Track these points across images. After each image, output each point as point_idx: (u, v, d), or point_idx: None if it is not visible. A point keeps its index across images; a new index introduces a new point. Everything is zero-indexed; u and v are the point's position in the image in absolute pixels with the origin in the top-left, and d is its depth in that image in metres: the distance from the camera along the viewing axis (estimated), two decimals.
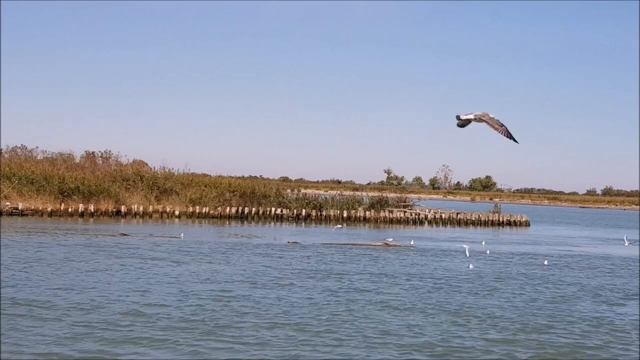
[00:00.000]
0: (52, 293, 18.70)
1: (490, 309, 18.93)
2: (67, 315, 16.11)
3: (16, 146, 62.92)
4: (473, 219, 65.00)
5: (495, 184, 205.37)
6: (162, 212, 54.11)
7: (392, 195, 69.43)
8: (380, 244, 37.21)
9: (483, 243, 39.18)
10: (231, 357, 13.28)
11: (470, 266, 28.19)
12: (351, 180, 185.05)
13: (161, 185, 56.79)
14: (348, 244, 37.11)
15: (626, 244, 32.81)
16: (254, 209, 57.96)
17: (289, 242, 36.75)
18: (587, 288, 24.02)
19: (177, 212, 54.50)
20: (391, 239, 37.94)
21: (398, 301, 19.54)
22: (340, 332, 15.36)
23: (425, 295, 20.80)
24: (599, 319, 18.23)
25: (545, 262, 31.41)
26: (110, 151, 63.49)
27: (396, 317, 17.35)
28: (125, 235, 36.75)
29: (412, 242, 38.05)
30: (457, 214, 65.96)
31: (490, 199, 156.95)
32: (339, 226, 33.80)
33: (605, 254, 38.71)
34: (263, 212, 58.05)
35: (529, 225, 66.20)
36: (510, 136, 9.68)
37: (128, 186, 55.15)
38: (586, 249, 42.66)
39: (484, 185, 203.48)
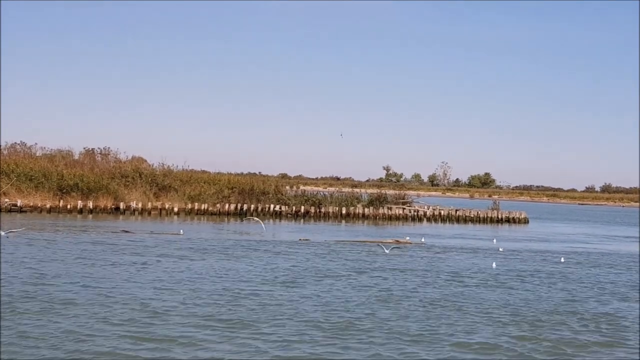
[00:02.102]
0: (69, 289, 18.72)
1: (521, 306, 19.08)
2: (85, 311, 16.12)
3: (15, 143, 62.96)
4: (472, 215, 65.00)
5: (494, 180, 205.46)
6: (160, 209, 54.08)
7: (390, 192, 69.40)
8: (391, 241, 37.34)
9: (495, 241, 39.03)
10: (263, 357, 13.22)
11: (494, 264, 28.10)
12: (350, 177, 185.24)
13: (160, 182, 56.74)
14: (360, 242, 37.16)
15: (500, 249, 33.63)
16: (252, 206, 57.92)
17: (300, 240, 36.77)
18: (611, 285, 24.25)
19: (176, 209, 54.46)
20: (408, 238, 37.96)
21: (426, 298, 19.66)
22: (374, 330, 15.40)
23: (454, 292, 20.91)
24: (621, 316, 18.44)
25: (562, 260, 31.41)
26: (109, 148, 63.49)
27: (427, 313, 17.45)
28: (127, 232, 36.74)
29: (422, 240, 38.13)
30: (456, 210, 66.00)
31: (489, 195, 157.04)
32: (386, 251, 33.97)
33: (615, 251, 39.12)
34: (262, 209, 58.02)
35: (528, 222, 66.20)
36: None
37: (127, 183, 55.12)
38: (596, 245, 42.92)
39: (483, 182, 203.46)
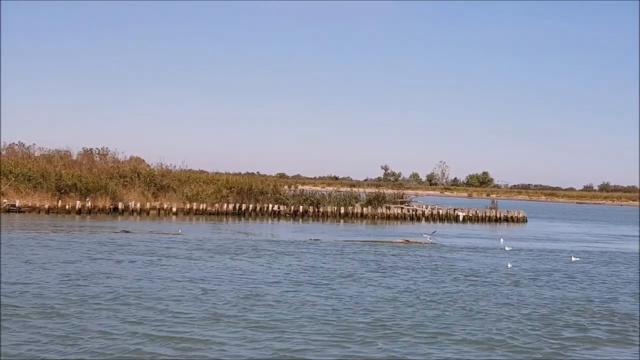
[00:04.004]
0: (96, 290, 18.75)
1: (540, 304, 19.37)
2: (115, 311, 16.18)
3: (13, 143, 62.89)
4: (470, 215, 65.03)
5: (492, 179, 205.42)
6: (159, 209, 54.06)
7: (389, 191, 69.44)
8: (400, 240, 37.43)
9: (502, 241, 39.22)
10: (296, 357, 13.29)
11: (509, 264, 28.09)
12: (348, 177, 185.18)
13: (158, 182, 56.70)
14: (370, 242, 37.30)
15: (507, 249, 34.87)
16: (251, 206, 57.93)
17: (311, 239, 36.92)
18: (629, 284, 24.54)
19: (174, 209, 54.43)
20: (427, 237, 38.03)
21: (451, 297, 19.84)
22: (410, 330, 15.47)
23: (479, 292, 21.16)
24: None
25: (573, 259, 31.58)
26: (107, 148, 63.37)
27: (456, 312, 17.64)
28: (127, 232, 36.71)
29: (429, 239, 38.34)
30: (454, 209, 66.04)
31: (487, 194, 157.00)
32: (427, 236, 35.38)
33: (624, 250, 39.47)
34: (260, 209, 58.04)
35: (526, 221, 66.26)
36: None
37: (125, 183, 55.08)
38: (603, 244, 43.18)
39: (481, 181, 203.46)
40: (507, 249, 35.13)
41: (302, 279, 22.34)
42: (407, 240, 37.22)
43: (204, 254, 28.30)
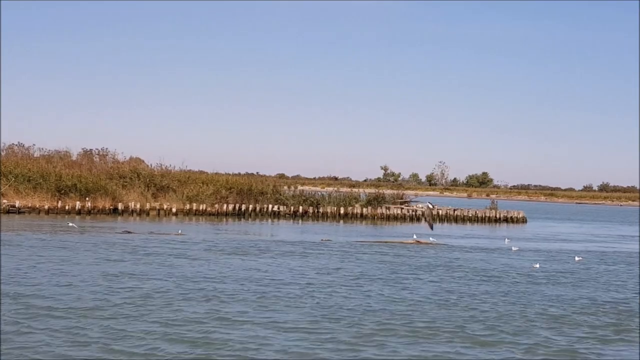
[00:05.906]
0: (98, 294, 18.60)
1: (554, 304, 19.57)
2: (136, 313, 16.17)
3: (13, 144, 62.93)
4: (470, 215, 65.03)
5: (491, 180, 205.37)
6: (159, 210, 54.03)
7: (389, 191, 69.43)
8: (412, 241, 37.63)
9: (507, 241, 39.07)
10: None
11: (537, 265, 28.14)
12: (348, 177, 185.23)
13: (158, 183, 56.66)
14: (382, 242, 37.37)
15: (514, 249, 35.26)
16: (251, 206, 57.92)
17: (322, 240, 37.02)
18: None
19: (174, 210, 54.39)
20: (434, 239, 38.10)
21: (476, 298, 19.97)
22: (456, 334, 15.41)
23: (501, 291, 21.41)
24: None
25: (577, 259, 31.76)
26: (107, 148, 63.49)
27: (485, 314, 17.72)
28: (129, 232, 36.69)
29: (432, 240, 38.52)
30: (454, 210, 66.04)
31: (487, 195, 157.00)
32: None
33: (625, 250, 39.66)
34: (260, 209, 58.03)
35: (526, 221, 66.27)
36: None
37: (125, 183, 55.06)
38: (609, 244, 43.41)
39: (481, 182, 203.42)
40: (513, 249, 35.33)
41: (325, 280, 22.24)
42: (418, 241, 37.35)
43: (216, 255, 28.18)
